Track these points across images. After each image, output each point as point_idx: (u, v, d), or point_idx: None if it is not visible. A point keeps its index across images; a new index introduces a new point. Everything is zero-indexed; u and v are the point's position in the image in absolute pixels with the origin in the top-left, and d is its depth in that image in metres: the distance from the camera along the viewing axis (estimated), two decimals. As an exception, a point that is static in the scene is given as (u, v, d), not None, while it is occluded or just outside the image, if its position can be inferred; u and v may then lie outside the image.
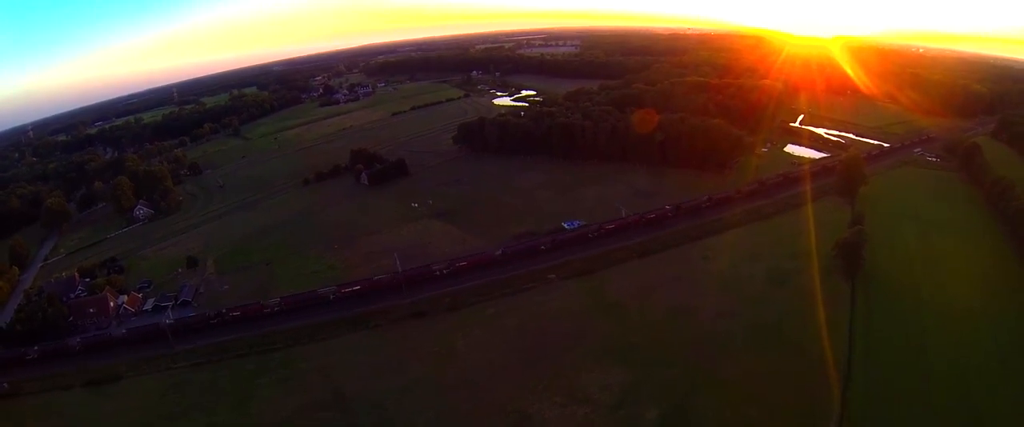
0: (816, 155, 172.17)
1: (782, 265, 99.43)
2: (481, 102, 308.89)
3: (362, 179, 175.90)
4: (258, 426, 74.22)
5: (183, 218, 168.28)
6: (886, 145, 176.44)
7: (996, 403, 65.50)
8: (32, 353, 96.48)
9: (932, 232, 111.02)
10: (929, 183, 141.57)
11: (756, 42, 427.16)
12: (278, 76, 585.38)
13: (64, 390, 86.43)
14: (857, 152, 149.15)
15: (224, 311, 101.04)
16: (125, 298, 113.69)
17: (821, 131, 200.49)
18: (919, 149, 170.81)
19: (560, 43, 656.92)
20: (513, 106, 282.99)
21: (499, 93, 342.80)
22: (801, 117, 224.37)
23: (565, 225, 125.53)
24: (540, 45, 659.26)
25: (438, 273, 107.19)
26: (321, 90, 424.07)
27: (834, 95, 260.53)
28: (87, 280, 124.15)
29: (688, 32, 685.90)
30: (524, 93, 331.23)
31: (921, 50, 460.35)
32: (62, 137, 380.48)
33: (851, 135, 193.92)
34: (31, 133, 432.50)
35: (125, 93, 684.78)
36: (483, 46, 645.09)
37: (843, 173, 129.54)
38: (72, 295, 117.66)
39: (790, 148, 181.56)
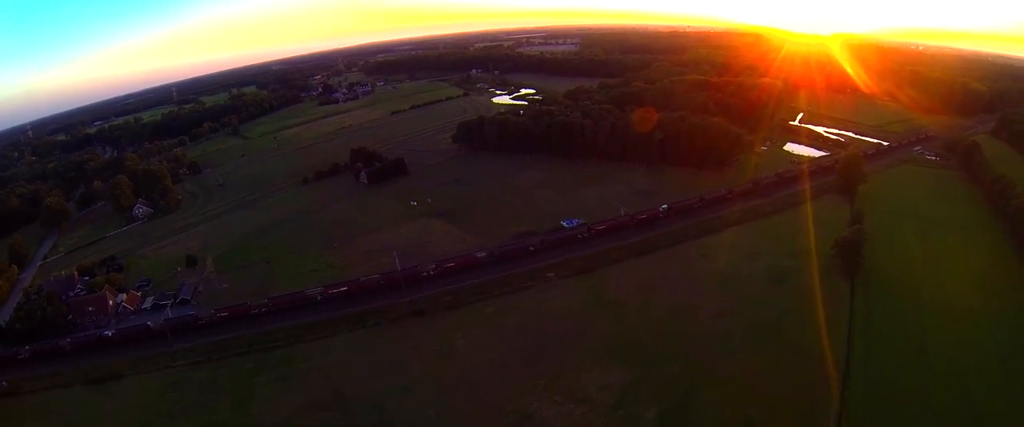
0: (816, 153, 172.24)
1: (781, 264, 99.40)
2: (480, 101, 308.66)
3: (361, 178, 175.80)
4: (258, 426, 74.18)
5: (182, 217, 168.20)
6: (886, 143, 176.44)
7: (996, 402, 65.43)
8: (23, 353, 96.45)
9: (932, 231, 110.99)
10: (929, 181, 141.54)
11: (755, 40, 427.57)
12: (277, 75, 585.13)
13: (64, 388, 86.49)
14: (856, 150, 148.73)
15: (212, 312, 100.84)
16: (124, 296, 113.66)
17: (820, 129, 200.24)
18: (919, 147, 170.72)
19: (559, 41, 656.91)
20: (512, 105, 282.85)
21: (498, 92, 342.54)
22: (801, 115, 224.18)
23: (564, 224, 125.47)
24: (540, 43, 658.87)
25: (426, 274, 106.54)
26: (320, 89, 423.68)
27: (834, 93, 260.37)
28: (86, 279, 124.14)
29: (688, 30, 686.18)
30: (523, 91, 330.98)
31: (920, 48, 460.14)
32: (61, 136, 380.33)
33: (850, 133, 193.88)
34: (30, 132, 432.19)
35: (124, 92, 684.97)
36: (482, 44, 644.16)
37: (842, 171, 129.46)
38: (71, 294, 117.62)
39: (790, 146, 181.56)
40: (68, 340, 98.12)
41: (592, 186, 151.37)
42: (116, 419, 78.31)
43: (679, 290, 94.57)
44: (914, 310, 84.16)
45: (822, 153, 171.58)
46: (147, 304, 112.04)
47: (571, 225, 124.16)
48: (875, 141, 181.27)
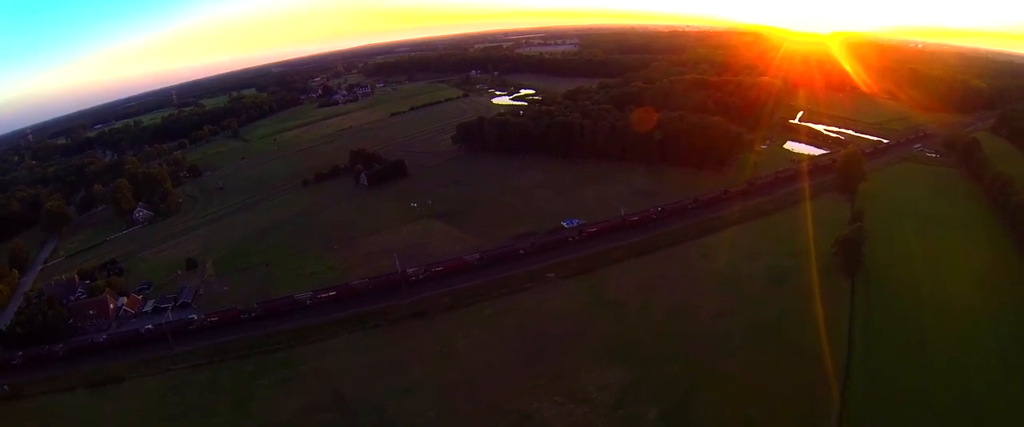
0: (815, 152, 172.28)
1: (782, 263, 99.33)
2: (480, 102, 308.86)
3: (361, 180, 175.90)
4: (258, 428, 74.26)
5: (182, 220, 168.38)
6: (885, 141, 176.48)
7: (997, 400, 65.29)
8: (16, 358, 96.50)
9: (932, 228, 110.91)
10: (929, 179, 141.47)
11: (754, 39, 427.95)
12: (277, 77, 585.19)
13: (66, 392, 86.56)
14: (856, 148, 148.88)
15: (203, 316, 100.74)
16: (125, 300, 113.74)
17: (820, 128, 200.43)
18: (918, 145, 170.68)
19: (559, 42, 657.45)
20: (512, 105, 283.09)
21: (498, 92, 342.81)
22: (800, 114, 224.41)
23: (565, 224, 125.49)
24: (539, 44, 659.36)
25: (415, 278, 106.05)
26: (320, 91, 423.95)
27: (833, 91, 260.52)
28: (87, 282, 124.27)
29: (687, 30, 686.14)
30: (523, 92, 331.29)
31: (920, 46, 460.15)
32: (61, 140, 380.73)
33: (850, 131, 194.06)
34: (30, 136, 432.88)
35: (124, 96, 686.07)
36: (482, 45, 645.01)
37: (842, 169, 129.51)
38: (72, 297, 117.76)
39: (789, 145, 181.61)
40: (61, 346, 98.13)
41: (592, 186, 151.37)
42: (117, 422, 78.34)
43: (679, 290, 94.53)
44: (914, 308, 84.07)
45: (822, 151, 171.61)
46: (148, 307, 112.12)
47: (571, 225, 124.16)
48: (875, 139, 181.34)
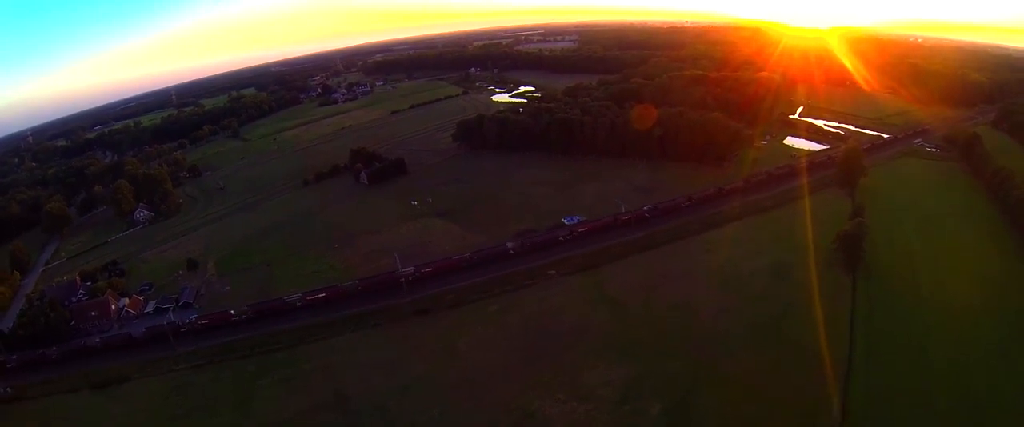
0: (815, 147, 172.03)
1: (783, 259, 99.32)
2: (479, 99, 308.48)
3: (361, 178, 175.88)
4: (261, 427, 74.44)
5: (183, 220, 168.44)
6: (886, 136, 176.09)
7: (998, 398, 65.22)
8: (11, 362, 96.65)
9: (933, 223, 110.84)
10: (929, 174, 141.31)
11: (754, 34, 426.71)
12: (276, 77, 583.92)
13: (69, 393, 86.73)
14: (856, 143, 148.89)
15: (192, 320, 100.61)
16: (127, 301, 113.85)
17: (820, 123, 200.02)
18: (919, 140, 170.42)
19: (558, 38, 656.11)
20: (512, 102, 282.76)
21: (497, 90, 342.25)
22: (800, 109, 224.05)
23: (565, 221, 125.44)
24: (538, 41, 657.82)
25: (404, 280, 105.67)
26: (319, 90, 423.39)
27: (833, 86, 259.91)
28: (88, 284, 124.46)
29: (686, 25, 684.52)
30: (523, 89, 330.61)
31: (919, 40, 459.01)
32: (61, 142, 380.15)
33: (850, 126, 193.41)
34: (30, 138, 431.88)
35: (123, 96, 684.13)
36: (481, 43, 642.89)
37: (843, 165, 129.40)
38: (74, 299, 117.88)
39: (789, 140, 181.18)
40: (54, 349, 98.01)
41: (592, 183, 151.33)
42: (120, 424, 78.59)
43: (681, 286, 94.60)
44: (915, 304, 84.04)
45: (822, 146, 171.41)
46: (149, 308, 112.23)
47: (572, 222, 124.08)
48: (875, 134, 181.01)
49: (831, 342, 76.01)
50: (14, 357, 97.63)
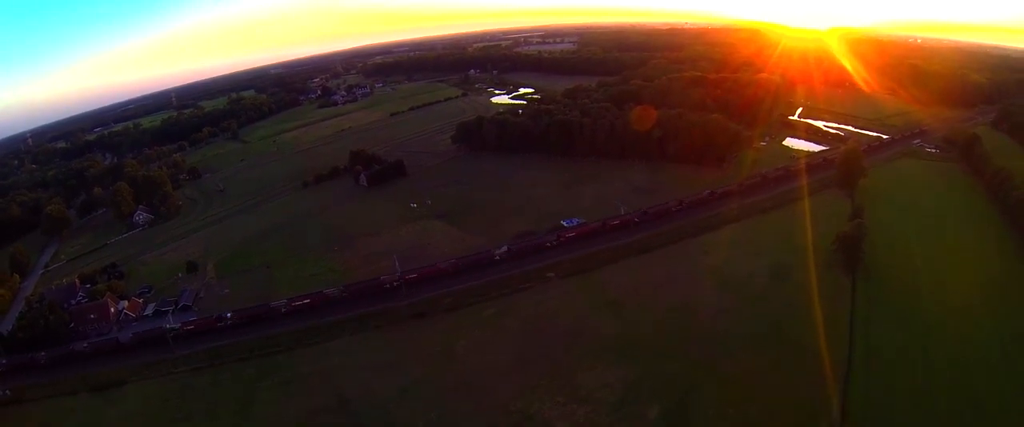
0: (815, 148, 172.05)
1: (782, 260, 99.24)
2: (479, 101, 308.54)
3: (361, 180, 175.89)
4: (260, 430, 74.34)
5: (183, 223, 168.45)
6: (885, 137, 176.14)
7: (998, 399, 65.14)
8: (1, 365, 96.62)
9: (932, 224, 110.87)
10: (929, 175, 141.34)
11: (753, 36, 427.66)
12: (276, 79, 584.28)
13: (69, 395, 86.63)
14: (856, 144, 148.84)
15: (180, 325, 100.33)
16: (126, 304, 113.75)
17: (820, 124, 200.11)
18: (918, 140, 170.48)
19: (557, 40, 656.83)
20: (511, 104, 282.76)
21: (497, 91, 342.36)
22: (799, 110, 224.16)
23: (564, 223, 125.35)
24: (538, 42, 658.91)
25: (389, 286, 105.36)
26: (319, 92, 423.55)
27: (832, 87, 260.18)
28: (88, 286, 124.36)
29: (685, 27, 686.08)
30: (522, 91, 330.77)
31: (919, 41, 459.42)
32: (61, 144, 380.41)
33: (850, 127, 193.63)
34: (30, 140, 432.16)
35: (123, 98, 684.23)
36: (480, 44, 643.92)
37: (842, 166, 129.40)
38: (73, 302, 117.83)
39: (789, 141, 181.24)
40: (44, 354, 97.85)
41: (592, 185, 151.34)
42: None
43: (679, 288, 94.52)
44: (915, 305, 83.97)
45: (821, 147, 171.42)
46: (148, 311, 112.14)
47: (571, 224, 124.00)
48: (874, 135, 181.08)
49: (831, 343, 75.93)
50: (3, 361, 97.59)
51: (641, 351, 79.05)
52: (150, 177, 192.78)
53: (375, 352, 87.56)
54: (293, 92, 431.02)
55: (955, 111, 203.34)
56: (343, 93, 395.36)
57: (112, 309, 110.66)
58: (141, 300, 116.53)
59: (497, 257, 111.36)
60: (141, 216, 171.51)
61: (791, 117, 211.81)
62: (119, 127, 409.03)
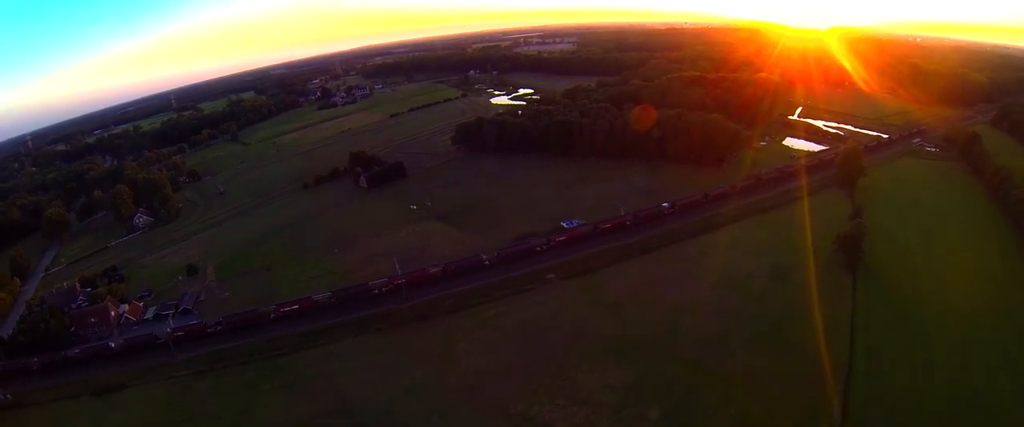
0: (815, 148, 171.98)
1: (782, 260, 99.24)
2: (479, 102, 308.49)
3: (361, 182, 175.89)
4: (261, 433, 74.36)
5: (183, 225, 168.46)
6: (885, 136, 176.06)
7: (998, 398, 65.13)
8: None
9: (932, 223, 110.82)
10: (929, 174, 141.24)
11: (752, 35, 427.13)
12: (276, 80, 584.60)
13: (71, 399, 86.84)
14: (856, 144, 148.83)
15: (169, 330, 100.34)
16: (126, 307, 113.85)
17: (819, 123, 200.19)
18: (918, 139, 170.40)
19: (557, 40, 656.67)
20: (511, 105, 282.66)
21: (497, 92, 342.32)
22: (799, 110, 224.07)
23: (564, 224, 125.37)
24: (537, 43, 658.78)
25: (378, 292, 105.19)
26: (319, 93, 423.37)
27: (832, 87, 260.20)
28: (88, 290, 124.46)
29: (685, 27, 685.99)
30: (522, 92, 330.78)
31: (918, 40, 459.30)
32: (61, 147, 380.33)
33: (850, 127, 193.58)
34: (30, 143, 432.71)
35: (123, 101, 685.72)
36: (480, 45, 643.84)
37: (842, 165, 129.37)
38: (73, 305, 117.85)
39: (789, 141, 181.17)
40: (36, 360, 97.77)
41: (591, 185, 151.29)
42: (122, 430, 78.57)
43: (679, 289, 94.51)
44: (916, 305, 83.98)
45: (821, 147, 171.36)
46: (149, 314, 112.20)
47: (571, 225, 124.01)
48: (874, 134, 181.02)
49: (831, 343, 75.97)
50: None
51: (641, 352, 79.07)
52: (150, 180, 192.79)
53: (377, 354, 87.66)
54: (293, 94, 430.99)
55: (955, 110, 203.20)
56: (343, 94, 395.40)
57: (113, 313, 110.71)
58: (142, 304, 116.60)
59: (486, 262, 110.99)
60: (141, 219, 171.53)
61: (791, 117, 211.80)
62: (119, 129, 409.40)
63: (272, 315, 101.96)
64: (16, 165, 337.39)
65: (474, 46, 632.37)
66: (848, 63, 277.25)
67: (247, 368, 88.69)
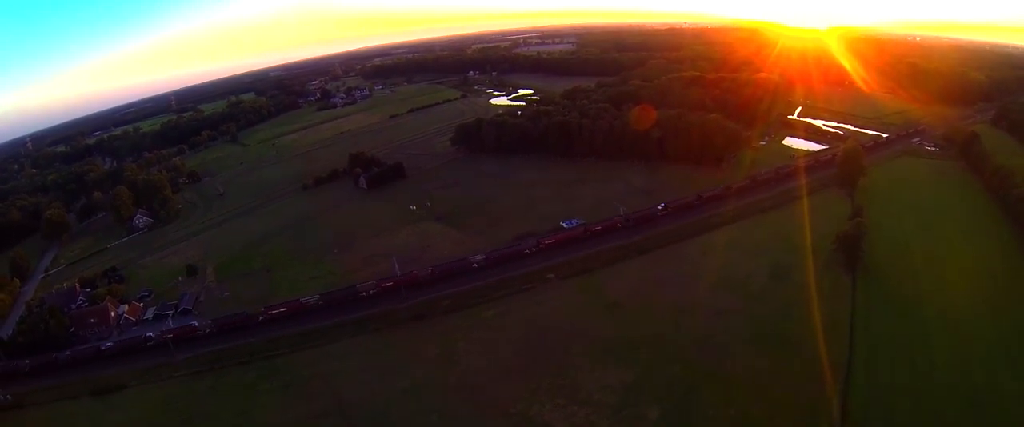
0: (814, 147, 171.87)
1: (782, 260, 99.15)
2: (478, 102, 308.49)
3: (360, 183, 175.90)
4: (260, 434, 74.28)
5: (183, 226, 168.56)
6: (884, 136, 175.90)
7: (999, 398, 64.95)
8: None
9: (932, 222, 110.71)
10: (929, 173, 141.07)
11: (751, 35, 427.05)
12: (275, 81, 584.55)
13: (70, 400, 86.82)
14: (855, 143, 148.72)
15: (160, 333, 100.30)
16: (126, 308, 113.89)
17: (819, 123, 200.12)
18: (918, 139, 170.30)
19: (556, 41, 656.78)
20: (510, 106, 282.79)
21: (496, 93, 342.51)
22: (798, 109, 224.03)
23: (563, 224, 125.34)
24: (536, 44, 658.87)
25: (366, 295, 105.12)
26: (318, 94, 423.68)
27: (831, 87, 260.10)
28: (88, 291, 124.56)
29: (684, 27, 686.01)
30: (521, 92, 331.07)
31: (918, 39, 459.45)
32: (61, 148, 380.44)
33: (849, 126, 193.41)
34: (30, 145, 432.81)
35: (123, 102, 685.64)
36: (479, 46, 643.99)
37: (842, 165, 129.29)
38: (73, 306, 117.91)
39: (788, 141, 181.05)
40: (27, 362, 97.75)
41: (591, 185, 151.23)
42: (121, 431, 78.53)
43: (679, 289, 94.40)
44: (915, 304, 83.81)
45: (821, 146, 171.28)
46: (148, 315, 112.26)
47: (570, 225, 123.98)
48: (874, 133, 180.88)
49: (831, 343, 75.82)
50: None
51: (641, 352, 78.96)
52: (150, 181, 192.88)
53: (375, 354, 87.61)
54: (292, 95, 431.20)
55: (954, 109, 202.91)
56: (342, 95, 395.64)
57: (112, 313, 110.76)
58: (141, 304, 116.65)
59: (475, 265, 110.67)
60: (141, 220, 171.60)
61: (790, 116, 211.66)
62: (119, 131, 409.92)
63: (261, 317, 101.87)
64: (16, 167, 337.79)
65: (473, 47, 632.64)
66: (847, 62, 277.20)
67: (246, 368, 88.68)
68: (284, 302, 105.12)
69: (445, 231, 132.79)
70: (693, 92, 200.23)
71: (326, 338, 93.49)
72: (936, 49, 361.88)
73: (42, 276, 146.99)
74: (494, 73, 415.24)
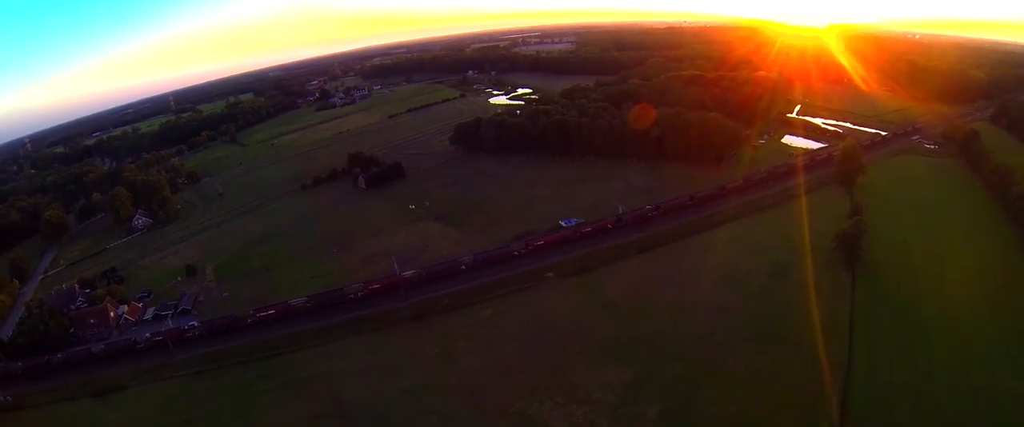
0: (814, 145, 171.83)
1: (782, 258, 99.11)
2: (477, 102, 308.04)
3: (359, 183, 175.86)
4: (260, 434, 74.26)
5: (182, 226, 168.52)
6: (883, 134, 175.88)
7: (999, 396, 64.87)
8: None
9: (932, 220, 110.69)
10: (928, 171, 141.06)
11: (751, 34, 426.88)
12: (274, 81, 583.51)
13: (69, 401, 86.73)
14: (854, 142, 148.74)
15: (148, 336, 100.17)
16: (125, 308, 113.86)
17: (818, 121, 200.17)
18: (917, 137, 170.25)
19: (555, 40, 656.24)
20: (509, 105, 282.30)
21: (495, 92, 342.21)
22: (797, 108, 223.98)
23: (562, 223, 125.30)
24: (535, 43, 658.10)
25: (354, 296, 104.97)
26: (317, 94, 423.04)
27: (830, 85, 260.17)
28: (87, 291, 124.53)
29: (683, 25, 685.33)
30: (520, 91, 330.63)
31: (917, 37, 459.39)
32: (60, 149, 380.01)
33: (849, 124, 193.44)
34: (29, 146, 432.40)
35: (122, 103, 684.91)
36: (478, 45, 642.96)
37: (841, 163, 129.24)
38: (73, 307, 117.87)
39: (788, 139, 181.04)
40: (20, 364, 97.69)
41: (590, 184, 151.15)
42: (121, 432, 78.48)
43: (679, 287, 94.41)
44: (915, 302, 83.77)
45: (820, 145, 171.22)
46: (148, 315, 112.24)
47: (569, 224, 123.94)
48: (873, 131, 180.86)
49: (830, 341, 75.75)
50: None
51: (640, 351, 78.94)
52: (149, 181, 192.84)
53: (374, 354, 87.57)
54: (291, 95, 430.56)
55: (953, 107, 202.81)
56: (341, 95, 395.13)
57: (112, 314, 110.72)
58: (141, 304, 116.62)
59: (463, 267, 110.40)
60: (140, 220, 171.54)
61: (789, 115, 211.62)
62: (118, 132, 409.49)
63: (249, 320, 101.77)
64: (15, 168, 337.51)
65: (472, 46, 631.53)
66: (846, 61, 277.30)
67: (246, 368, 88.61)
68: (272, 304, 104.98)
69: (444, 230, 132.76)
70: (692, 91, 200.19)
71: (326, 338, 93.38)
72: (935, 47, 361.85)
73: (41, 277, 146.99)
74: (493, 72, 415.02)
